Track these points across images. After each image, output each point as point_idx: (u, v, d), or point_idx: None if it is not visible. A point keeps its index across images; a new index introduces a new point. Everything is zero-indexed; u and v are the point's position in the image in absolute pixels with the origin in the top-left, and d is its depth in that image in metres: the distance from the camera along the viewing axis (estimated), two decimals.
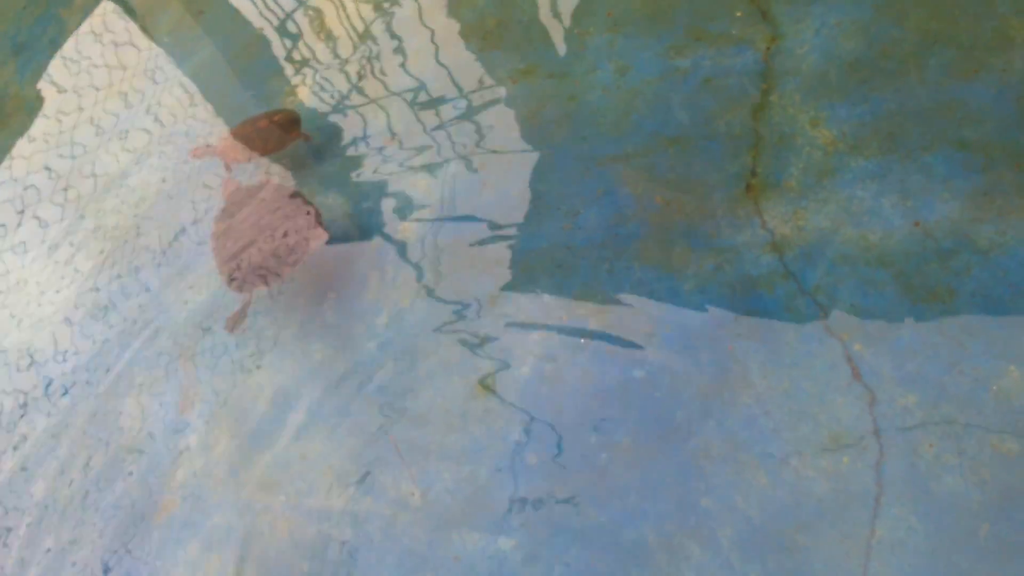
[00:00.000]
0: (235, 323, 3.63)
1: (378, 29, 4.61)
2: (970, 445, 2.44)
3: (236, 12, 5.18)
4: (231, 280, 3.66)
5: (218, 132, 4.61)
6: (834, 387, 2.67)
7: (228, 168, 4.23)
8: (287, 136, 4.22)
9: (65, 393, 3.95)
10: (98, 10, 5.73)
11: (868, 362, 2.68)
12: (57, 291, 4.36)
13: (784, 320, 2.86)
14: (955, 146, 2.98)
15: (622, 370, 3.00)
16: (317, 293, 3.74)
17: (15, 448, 3.88)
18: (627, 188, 3.44)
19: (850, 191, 3.04)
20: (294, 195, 3.84)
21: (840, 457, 2.56)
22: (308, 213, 3.72)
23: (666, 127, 3.53)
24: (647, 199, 3.37)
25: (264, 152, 4.22)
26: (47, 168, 4.94)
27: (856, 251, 2.90)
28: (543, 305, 3.28)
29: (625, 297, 3.16)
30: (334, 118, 4.34)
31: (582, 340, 3.12)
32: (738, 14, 3.72)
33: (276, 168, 4.31)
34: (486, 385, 3.18)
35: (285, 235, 3.67)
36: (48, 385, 4.03)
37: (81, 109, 5.17)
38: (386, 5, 4.71)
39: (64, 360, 4.08)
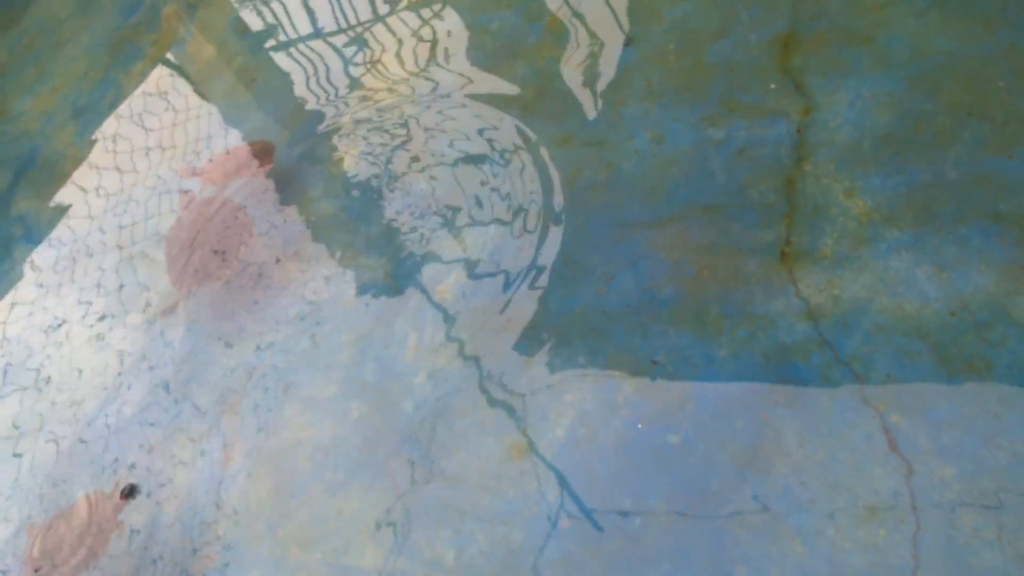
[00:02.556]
0: (166, 312, 3.89)
1: (421, 97, 4.73)
2: (1009, 519, 2.43)
3: (287, 80, 5.33)
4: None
5: (273, 195, 4.72)
6: (871, 458, 2.67)
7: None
8: (258, 164, 4.70)
9: (108, 437, 4.02)
10: (155, 76, 5.92)
11: (905, 433, 2.68)
12: (106, 341, 4.45)
13: (820, 389, 2.87)
14: (990, 219, 3.00)
15: (656, 435, 3.02)
16: (357, 352, 3.79)
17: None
18: (662, 254, 3.48)
19: (885, 261, 3.06)
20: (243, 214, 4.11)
21: (877, 529, 2.55)
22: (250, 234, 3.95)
23: (701, 195, 3.58)
24: (682, 265, 3.41)
25: (234, 175, 4.70)
26: (101, 230, 5.07)
27: (892, 321, 2.92)
28: (578, 368, 3.32)
29: (660, 361, 3.19)
30: (377, 181, 4.43)
31: (619, 401, 3.15)
32: (772, 86, 3.79)
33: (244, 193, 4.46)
34: (520, 447, 3.21)
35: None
36: (90, 422, 4.09)
37: (136, 171, 5.32)
38: (429, 74, 4.83)
39: (112, 410, 4.15)
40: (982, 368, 2.70)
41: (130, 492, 3.85)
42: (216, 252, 4.54)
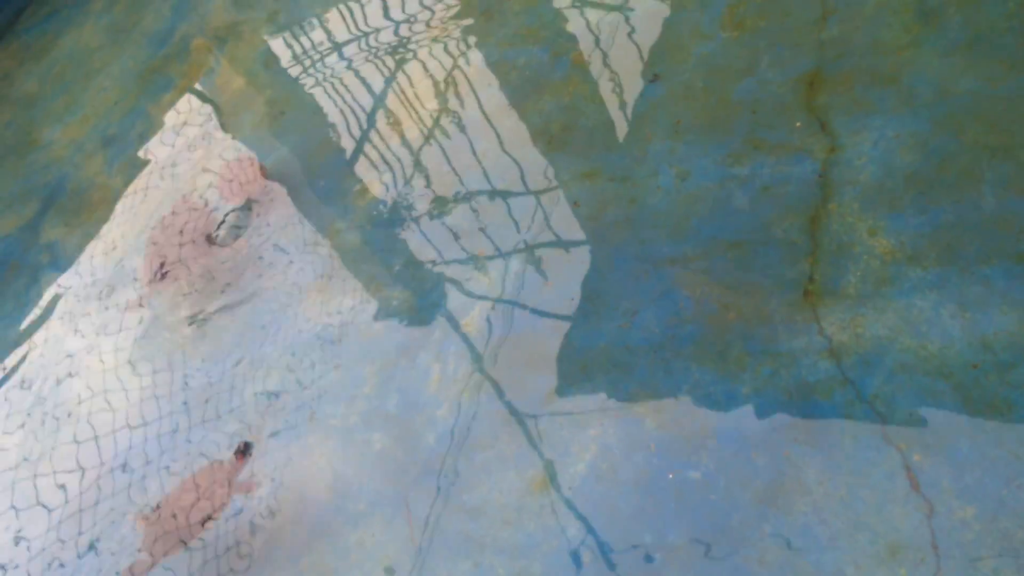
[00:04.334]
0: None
1: (447, 130, 4.79)
2: None
3: (315, 114, 5.41)
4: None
5: (301, 226, 4.79)
6: (892, 497, 2.67)
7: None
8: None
9: (125, 469, 4.06)
10: (184, 107, 6.02)
11: (927, 473, 2.67)
12: (129, 370, 4.51)
13: (842, 427, 2.88)
14: (1014, 260, 3.01)
15: (678, 471, 3.03)
16: (380, 384, 3.83)
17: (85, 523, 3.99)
18: (685, 290, 3.50)
19: (908, 300, 3.07)
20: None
21: (897, 569, 2.54)
22: None
23: (724, 231, 3.60)
24: (705, 302, 3.43)
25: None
26: (124, 258, 5.15)
27: (915, 360, 2.92)
28: (600, 403, 3.33)
29: (682, 398, 3.20)
30: (403, 214, 4.48)
31: (648, 444, 3.16)
32: (797, 125, 3.81)
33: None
34: (542, 481, 3.22)
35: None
36: (114, 458, 4.14)
37: (162, 202, 5.41)
38: (456, 107, 4.90)
39: (133, 439, 4.20)
40: (1004, 409, 2.70)
41: (245, 449, 3.97)
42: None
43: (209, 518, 3.72)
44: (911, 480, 2.68)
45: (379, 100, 5.23)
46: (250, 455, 3.98)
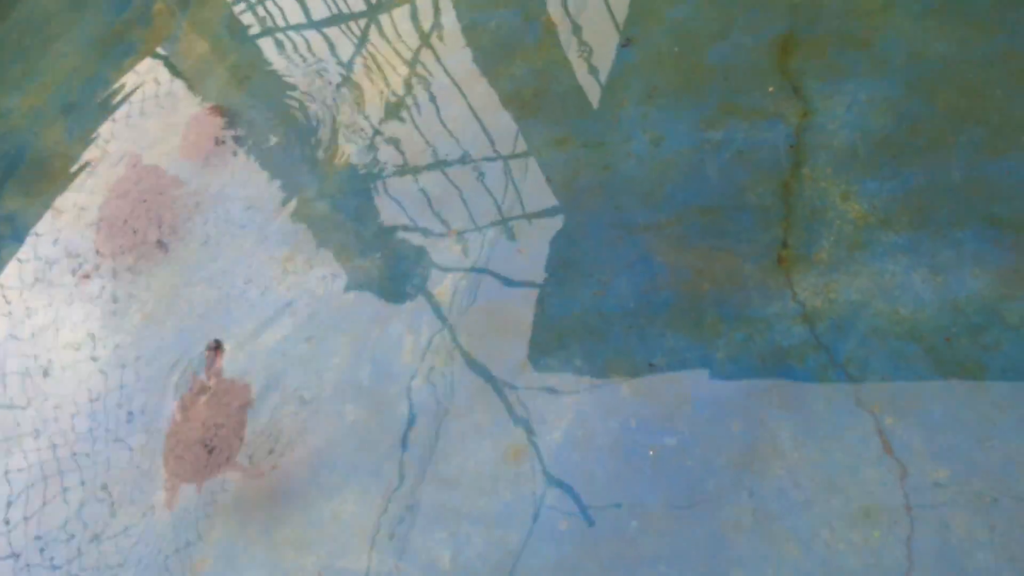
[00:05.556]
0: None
1: (417, 97, 4.73)
2: (1001, 522, 2.44)
3: (280, 80, 5.32)
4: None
5: (269, 194, 4.73)
6: (865, 460, 2.69)
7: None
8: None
9: (94, 442, 4.01)
10: (147, 73, 5.91)
11: (899, 436, 2.70)
12: (92, 343, 4.44)
13: (816, 391, 2.89)
14: (986, 223, 3.02)
15: (654, 437, 3.03)
16: (353, 354, 3.80)
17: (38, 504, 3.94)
18: (659, 257, 3.49)
19: (881, 265, 3.08)
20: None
21: (871, 531, 2.57)
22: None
23: (698, 197, 3.59)
24: (679, 268, 3.42)
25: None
26: (91, 225, 5.06)
27: (887, 324, 2.94)
28: (575, 370, 3.33)
29: (657, 364, 3.20)
30: (373, 182, 4.44)
31: (622, 410, 3.16)
32: (770, 89, 3.80)
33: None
34: (518, 449, 3.22)
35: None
36: (78, 431, 4.09)
37: (124, 169, 5.31)
38: (425, 72, 4.84)
39: (96, 410, 4.15)
40: (976, 371, 2.72)
41: (216, 346, 4.07)
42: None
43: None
44: (884, 443, 2.70)
45: (347, 66, 5.16)
46: (223, 350, 4.07)
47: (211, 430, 3.84)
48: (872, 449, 2.70)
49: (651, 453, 2.99)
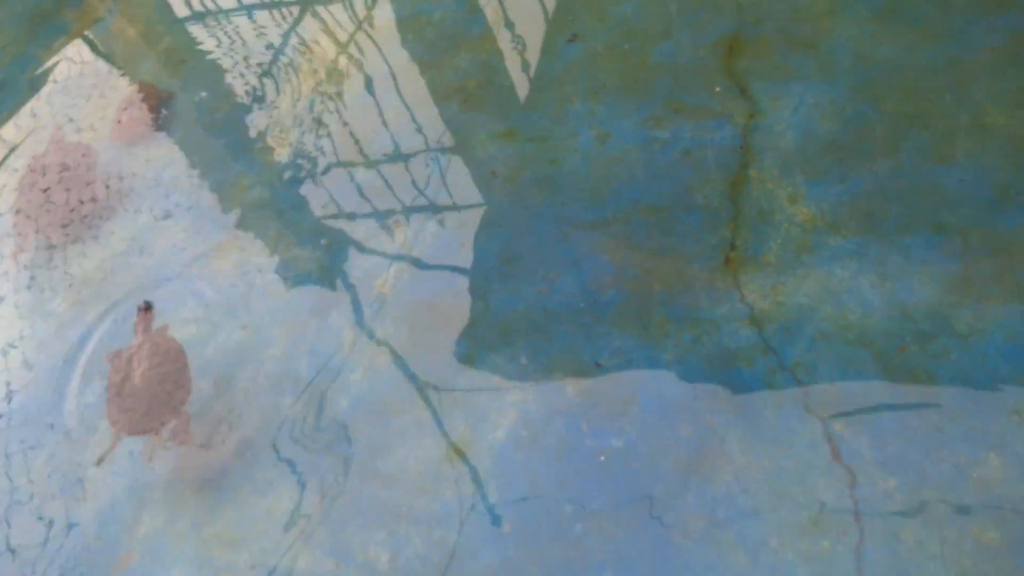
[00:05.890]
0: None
1: (356, 86, 4.62)
2: (951, 533, 2.45)
3: (216, 65, 5.16)
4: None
5: (203, 181, 4.57)
6: (814, 467, 2.68)
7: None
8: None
9: (16, 424, 3.83)
10: (77, 54, 5.69)
11: (848, 442, 2.69)
12: (25, 327, 4.24)
13: (764, 395, 2.87)
14: (933, 229, 3.04)
15: (600, 439, 2.98)
16: (290, 345, 3.68)
17: None
18: (605, 255, 3.45)
19: (829, 268, 3.08)
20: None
21: (820, 540, 2.56)
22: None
23: (645, 196, 3.56)
24: (625, 267, 3.38)
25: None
26: (17, 210, 4.83)
27: (835, 329, 2.93)
28: (519, 368, 3.27)
29: (603, 364, 3.15)
30: (312, 173, 4.31)
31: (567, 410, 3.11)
32: (717, 89, 3.78)
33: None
34: (460, 448, 3.14)
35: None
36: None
37: (50, 151, 5.09)
38: (366, 61, 4.73)
39: (13, 397, 3.97)
40: (925, 379, 2.73)
41: (147, 307, 4.04)
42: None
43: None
44: (833, 450, 2.69)
45: (285, 53, 5.02)
46: (152, 310, 4.02)
47: (154, 382, 3.75)
48: (821, 456, 2.69)
49: (601, 458, 2.94)
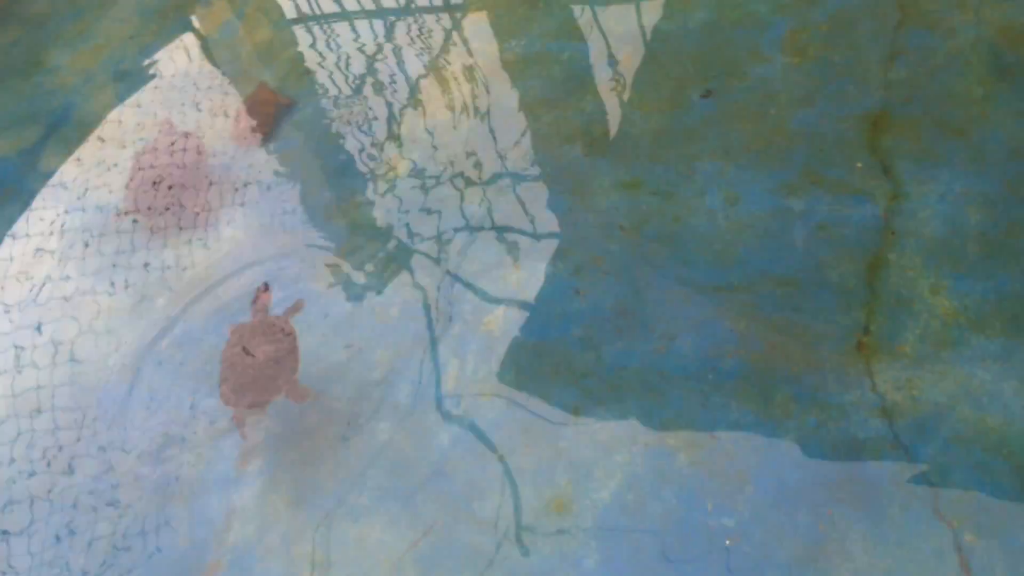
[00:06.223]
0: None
1: (477, 117, 4.60)
2: None
3: (339, 80, 5.19)
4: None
5: (317, 193, 4.58)
6: None
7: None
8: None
9: (109, 426, 3.84)
10: (203, 52, 5.77)
11: (979, 556, 2.55)
12: (123, 325, 4.27)
13: (890, 493, 2.74)
14: None
15: (710, 515, 2.88)
16: (392, 372, 3.64)
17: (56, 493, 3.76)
18: (728, 322, 3.36)
19: (970, 369, 2.94)
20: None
21: None
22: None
23: (775, 266, 3.46)
24: (750, 337, 3.28)
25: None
26: (127, 210, 4.89)
27: (973, 433, 2.80)
28: (630, 428, 3.18)
29: (719, 435, 3.05)
30: (426, 199, 4.28)
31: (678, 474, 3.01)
32: (858, 165, 3.67)
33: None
34: (561, 502, 3.06)
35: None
36: (102, 406, 3.92)
37: (171, 147, 5.16)
38: (488, 95, 4.70)
39: (123, 390, 3.98)
40: None
41: (266, 288, 4.15)
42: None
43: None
44: (962, 562, 2.56)
45: (415, 77, 5.02)
46: (270, 291, 4.14)
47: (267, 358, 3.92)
48: (949, 567, 2.55)
49: (711, 536, 2.83)
